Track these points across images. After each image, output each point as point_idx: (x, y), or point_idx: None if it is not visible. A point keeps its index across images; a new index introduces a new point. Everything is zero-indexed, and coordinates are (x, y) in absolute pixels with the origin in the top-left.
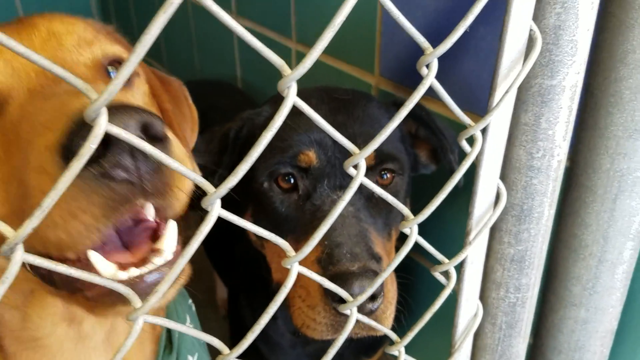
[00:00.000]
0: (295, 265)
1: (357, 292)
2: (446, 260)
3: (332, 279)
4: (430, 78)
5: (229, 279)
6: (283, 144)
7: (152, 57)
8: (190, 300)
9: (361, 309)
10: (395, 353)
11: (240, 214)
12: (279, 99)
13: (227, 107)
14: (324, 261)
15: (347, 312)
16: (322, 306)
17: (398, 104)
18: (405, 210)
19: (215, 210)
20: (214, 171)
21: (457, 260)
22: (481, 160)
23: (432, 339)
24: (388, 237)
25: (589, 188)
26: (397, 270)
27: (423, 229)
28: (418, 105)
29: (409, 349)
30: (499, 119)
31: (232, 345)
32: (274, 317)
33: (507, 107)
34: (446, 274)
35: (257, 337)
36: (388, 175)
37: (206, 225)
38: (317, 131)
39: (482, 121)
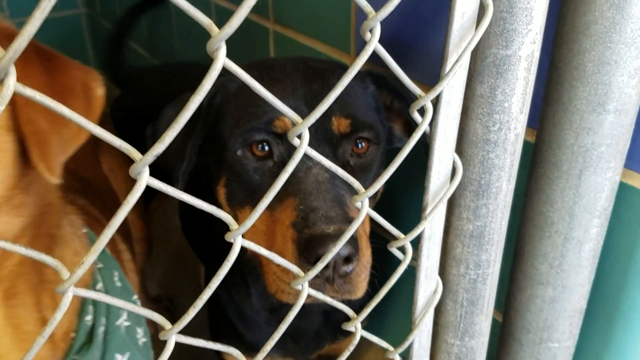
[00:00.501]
0: (239, 239)
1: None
2: (402, 236)
3: (307, 241)
4: (373, 43)
5: (206, 256)
6: (257, 110)
7: (134, 40)
8: (135, 296)
9: (336, 271)
10: (352, 329)
11: (213, 185)
12: (253, 66)
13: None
14: (299, 225)
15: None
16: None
17: (373, 75)
18: (356, 183)
19: (144, 179)
20: (187, 140)
21: (413, 235)
22: (434, 133)
23: (396, 318)
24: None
25: (554, 164)
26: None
27: (396, 204)
28: (392, 76)
29: (370, 328)
30: (452, 89)
31: (210, 325)
32: (249, 294)
33: (460, 77)
34: (403, 249)
35: (233, 315)
36: (363, 144)
37: (133, 195)
38: (293, 98)
39: (433, 91)
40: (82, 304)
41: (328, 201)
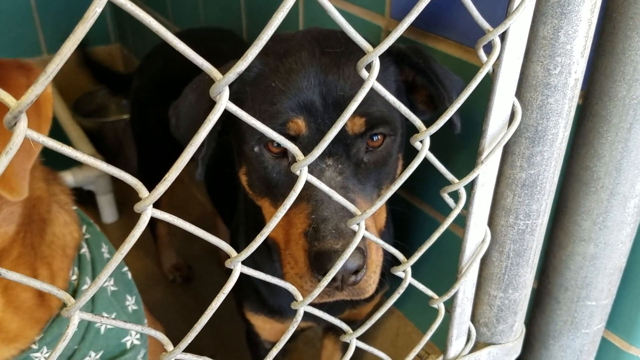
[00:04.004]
0: (305, 170)
1: (339, 271)
2: (456, 180)
3: (317, 255)
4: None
5: (231, 220)
6: (271, 108)
7: (156, 9)
8: (125, 268)
9: (345, 282)
10: (401, 275)
11: (236, 170)
12: (269, 51)
13: (228, 52)
14: (310, 236)
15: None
16: (309, 277)
17: (394, 54)
18: (418, 121)
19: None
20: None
21: (468, 179)
22: (498, 72)
23: (432, 275)
24: (377, 197)
25: (604, 117)
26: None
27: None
28: (415, 52)
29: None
30: (518, 26)
31: (234, 288)
32: (272, 261)
33: (527, 14)
34: (455, 195)
35: (256, 279)
36: (379, 137)
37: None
38: (308, 93)
39: (502, 25)
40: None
41: (339, 210)
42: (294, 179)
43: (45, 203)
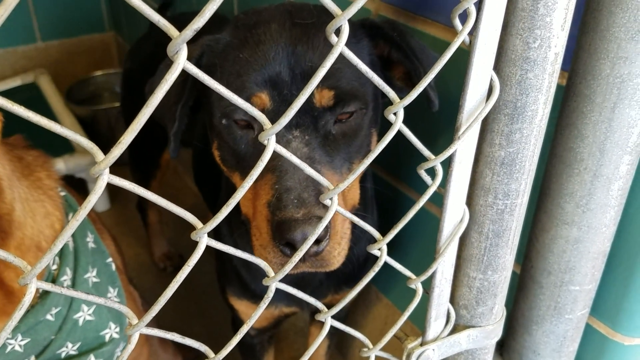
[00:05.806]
0: (272, 138)
1: (299, 239)
2: (433, 156)
3: (278, 225)
4: None
5: (214, 206)
6: (237, 80)
7: None
8: (109, 259)
9: (306, 252)
10: (377, 253)
11: (209, 147)
12: (240, 24)
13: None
14: (273, 206)
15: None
16: (271, 247)
17: (367, 26)
18: (392, 93)
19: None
20: (177, 102)
21: (445, 155)
22: (474, 45)
23: (418, 267)
24: (347, 172)
25: (587, 96)
26: (385, 202)
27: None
28: (390, 25)
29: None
30: None
31: (217, 273)
32: (253, 245)
33: None
34: (432, 172)
35: (238, 263)
36: (347, 112)
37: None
38: (274, 65)
39: None
40: None
41: (302, 180)
42: (261, 150)
43: (6, 211)
